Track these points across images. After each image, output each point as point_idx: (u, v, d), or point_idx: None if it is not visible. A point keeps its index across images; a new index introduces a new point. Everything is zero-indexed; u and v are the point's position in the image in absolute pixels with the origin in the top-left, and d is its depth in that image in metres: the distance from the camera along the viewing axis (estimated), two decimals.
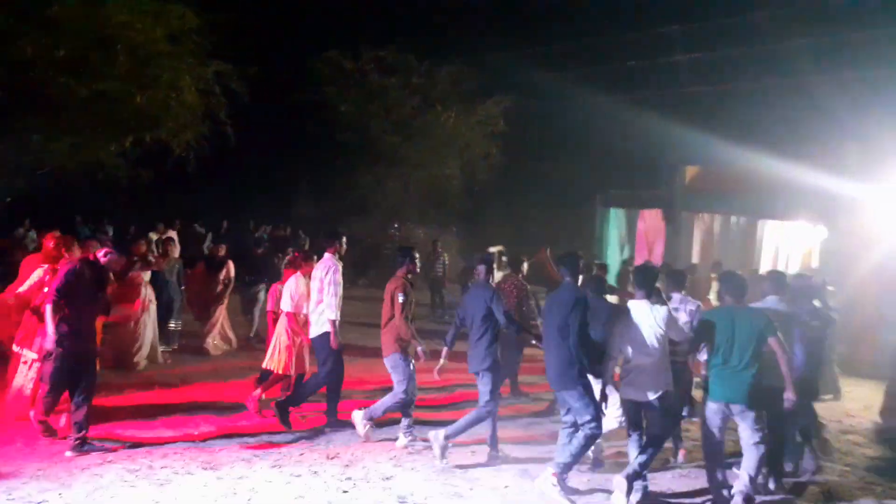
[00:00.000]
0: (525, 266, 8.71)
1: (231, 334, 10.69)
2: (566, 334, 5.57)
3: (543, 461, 6.26)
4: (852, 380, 10.03)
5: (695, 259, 12.67)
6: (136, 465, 5.82)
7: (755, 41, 17.02)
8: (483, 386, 6.33)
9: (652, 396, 5.58)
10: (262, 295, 11.10)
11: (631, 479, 5.46)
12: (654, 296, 5.80)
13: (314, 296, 7.09)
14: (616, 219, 14.67)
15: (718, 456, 5.62)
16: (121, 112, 12.83)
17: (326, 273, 6.97)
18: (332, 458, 6.27)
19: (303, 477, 5.80)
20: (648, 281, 5.78)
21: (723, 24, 17.67)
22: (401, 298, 6.59)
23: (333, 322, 6.93)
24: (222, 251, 10.76)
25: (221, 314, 10.56)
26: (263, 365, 7.60)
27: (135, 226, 15.30)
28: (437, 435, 6.23)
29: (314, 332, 7.11)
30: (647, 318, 5.62)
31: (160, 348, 9.54)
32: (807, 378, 6.31)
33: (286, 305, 7.42)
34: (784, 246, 12.92)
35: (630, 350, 5.63)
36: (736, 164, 13.06)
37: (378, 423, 6.93)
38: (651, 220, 14.18)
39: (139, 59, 12.64)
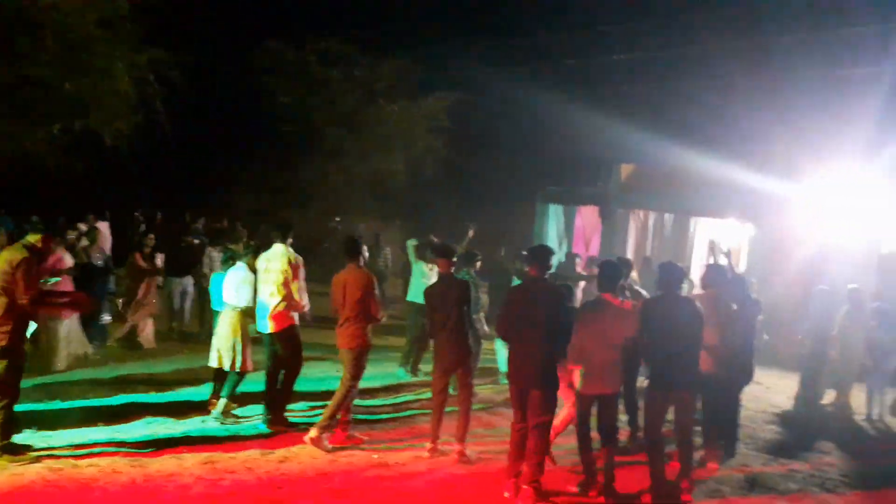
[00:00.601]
0: (479, 263, 8.80)
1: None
2: (553, 330, 5.45)
3: (482, 453, 6.35)
4: (776, 372, 10.45)
5: (629, 254, 12.95)
6: (60, 464, 5.61)
7: (688, 43, 17.51)
8: (466, 378, 6.41)
9: (613, 390, 5.75)
10: (190, 288, 10.87)
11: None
12: (619, 291, 5.95)
13: (271, 288, 6.73)
14: (555, 215, 14.88)
15: (662, 445, 5.72)
16: (48, 98, 12.36)
17: (294, 266, 6.72)
18: (267, 455, 6.18)
19: (237, 474, 5.70)
20: (615, 278, 5.88)
21: (657, 26, 18.15)
22: (377, 292, 6.52)
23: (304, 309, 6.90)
24: (151, 242, 10.51)
25: (154, 307, 10.32)
26: (218, 365, 7.08)
27: (64, 217, 14.68)
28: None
29: (273, 326, 6.80)
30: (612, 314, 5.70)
31: (89, 345, 9.22)
32: (745, 363, 6.63)
33: (237, 299, 7.01)
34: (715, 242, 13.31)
35: (595, 345, 5.66)
36: (670, 163, 13.42)
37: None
38: (588, 217, 14.44)
39: (68, 43, 12.19)
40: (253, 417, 7.10)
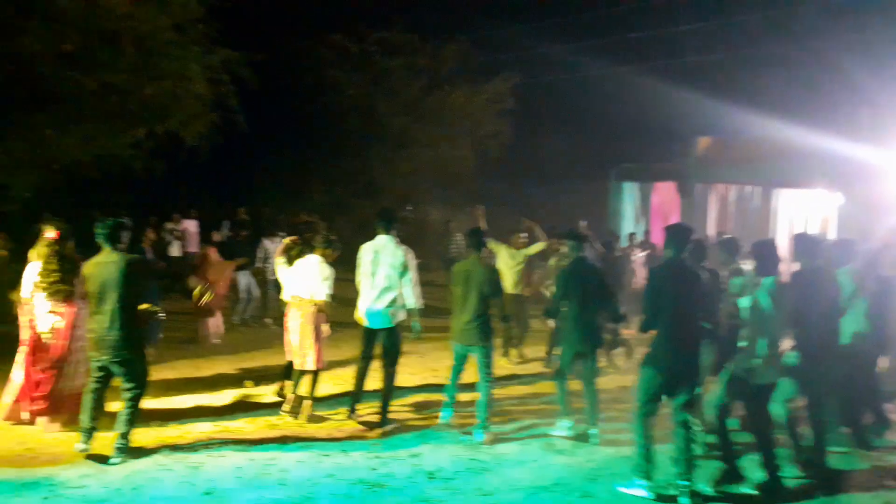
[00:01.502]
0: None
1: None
2: (702, 316, 5.34)
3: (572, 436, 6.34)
4: None
5: (710, 231, 12.60)
6: (172, 447, 5.91)
7: (763, 7, 16.78)
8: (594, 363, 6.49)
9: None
10: (246, 279, 11.18)
11: None
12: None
13: (383, 283, 6.49)
14: (630, 193, 14.64)
15: None
16: (130, 104, 12.81)
17: (408, 256, 6.52)
18: (361, 438, 6.35)
19: (332, 456, 5.88)
20: (776, 257, 5.50)
21: None
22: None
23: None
24: (216, 238, 10.94)
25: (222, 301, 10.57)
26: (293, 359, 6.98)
27: (156, 216, 15.20)
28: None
29: (387, 322, 6.56)
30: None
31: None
32: (881, 337, 6.46)
33: (310, 291, 6.75)
34: (800, 214, 12.82)
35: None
36: (749, 133, 12.96)
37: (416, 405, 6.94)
38: (665, 193, 14.14)
39: (145, 50, 12.60)
40: (336, 414, 6.97)
